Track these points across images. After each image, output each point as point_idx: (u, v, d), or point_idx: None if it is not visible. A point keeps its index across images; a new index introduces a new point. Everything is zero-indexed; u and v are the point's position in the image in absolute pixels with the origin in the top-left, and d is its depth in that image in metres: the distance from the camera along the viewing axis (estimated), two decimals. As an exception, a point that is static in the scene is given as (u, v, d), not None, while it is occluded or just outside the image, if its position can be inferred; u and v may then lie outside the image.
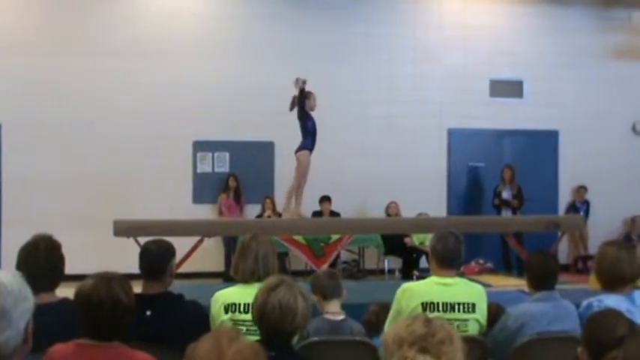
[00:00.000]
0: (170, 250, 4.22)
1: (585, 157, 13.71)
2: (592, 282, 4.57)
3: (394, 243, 12.05)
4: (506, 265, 12.88)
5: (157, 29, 12.55)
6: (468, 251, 12.78)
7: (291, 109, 8.91)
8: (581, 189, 13.84)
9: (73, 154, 12.12)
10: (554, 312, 4.26)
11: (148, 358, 3.07)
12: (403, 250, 12.32)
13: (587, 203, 13.77)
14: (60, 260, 3.86)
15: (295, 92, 8.90)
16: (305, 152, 8.84)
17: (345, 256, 12.66)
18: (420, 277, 4.80)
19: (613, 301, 4.06)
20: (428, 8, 13.59)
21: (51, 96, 12.10)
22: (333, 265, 11.11)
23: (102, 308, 3.03)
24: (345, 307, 4.60)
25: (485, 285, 10.28)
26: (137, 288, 4.08)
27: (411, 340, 2.25)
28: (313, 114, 8.95)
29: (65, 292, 3.70)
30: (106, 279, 3.12)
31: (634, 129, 14.22)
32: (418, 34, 13.36)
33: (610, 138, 13.92)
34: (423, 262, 11.89)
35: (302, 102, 8.79)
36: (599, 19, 13.99)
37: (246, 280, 4.17)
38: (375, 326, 4.78)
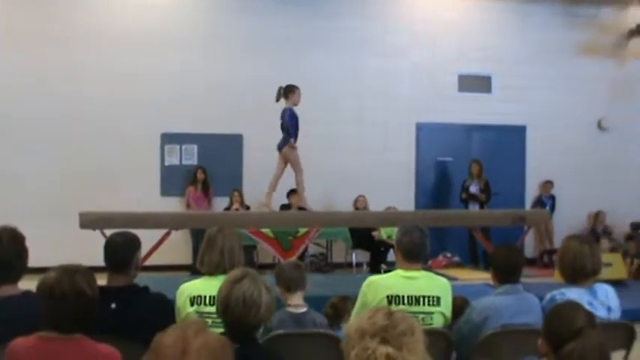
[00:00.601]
0: (135, 242, 4.18)
1: (552, 152, 13.86)
2: (557, 275, 4.62)
3: (362, 236, 12.09)
4: (473, 258, 12.98)
5: (126, 21, 12.47)
6: (436, 245, 12.97)
7: (277, 100, 8.90)
8: (548, 184, 13.97)
9: (38, 146, 12.00)
10: (518, 305, 4.30)
11: (111, 351, 3.05)
12: (371, 244, 12.35)
13: (553, 198, 13.91)
14: (23, 252, 3.81)
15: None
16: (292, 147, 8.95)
17: (312, 249, 12.69)
18: (388, 271, 4.81)
19: (575, 294, 4.10)
20: (398, 3, 13.62)
21: (15, 88, 11.98)
22: (300, 258, 11.10)
23: (65, 300, 3.00)
24: (311, 300, 4.61)
25: (452, 278, 10.39)
26: (102, 281, 4.06)
27: (373, 331, 2.27)
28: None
29: (29, 284, 3.66)
30: (70, 271, 3.09)
31: (599, 125, 14.37)
32: (388, 29, 13.39)
33: (576, 134, 14.07)
34: (391, 256, 11.94)
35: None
36: (566, 15, 14.11)
37: (212, 273, 4.16)
38: (332, 318, 4.81)
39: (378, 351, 2.23)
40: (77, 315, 3.03)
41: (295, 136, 8.86)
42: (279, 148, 8.89)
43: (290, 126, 8.78)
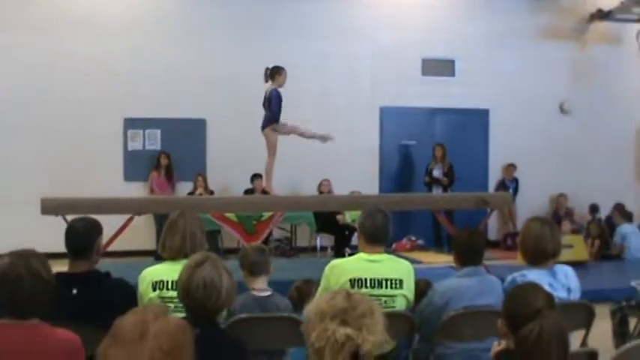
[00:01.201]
0: (96, 228, 4.14)
1: (515, 135, 13.96)
2: (520, 258, 4.67)
3: (326, 220, 12.11)
4: (437, 241, 13.06)
5: (90, 5, 12.32)
6: (400, 228, 13.03)
7: (266, 81, 8.91)
8: (510, 167, 14.09)
9: (-1, 132, 11.85)
10: (480, 287, 4.34)
11: (70, 336, 3.00)
12: (335, 228, 12.38)
13: (516, 181, 14.03)
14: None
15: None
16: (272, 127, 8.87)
17: (277, 233, 12.69)
18: (352, 254, 4.83)
19: (536, 275, 4.14)
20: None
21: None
22: (265, 242, 11.09)
23: (21, 283, 2.94)
24: (275, 284, 4.62)
25: (417, 262, 10.49)
26: (64, 267, 4.03)
27: (332, 313, 2.30)
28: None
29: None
30: (24, 255, 3.03)
31: (561, 108, 14.51)
32: (352, 12, 13.37)
33: (538, 117, 14.19)
34: (355, 240, 11.96)
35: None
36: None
37: (174, 258, 4.14)
38: (297, 302, 4.82)
39: (337, 332, 2.25)
40: (33, 299, 2.97)
41: (277, 118, 8.81)
42: (262, 128, 8.86)
43: (274, 108, 8.74)
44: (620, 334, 6.10)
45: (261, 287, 4.43)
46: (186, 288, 3.08)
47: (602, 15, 14.39)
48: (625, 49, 14.65)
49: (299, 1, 13.05)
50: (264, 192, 12.14)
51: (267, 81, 8.91)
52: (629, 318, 6.13)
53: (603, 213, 13.45)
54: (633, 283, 6.39)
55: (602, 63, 14.56)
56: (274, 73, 8.87)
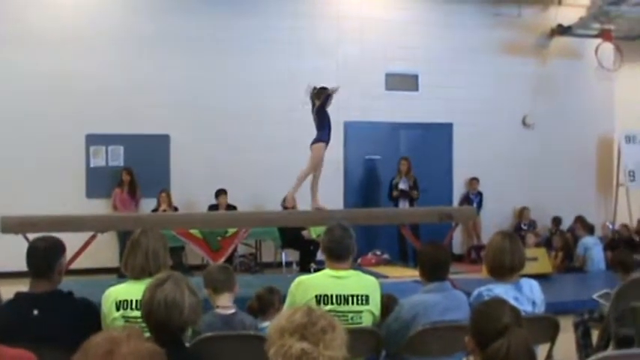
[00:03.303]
0: (58, 247, 4.10)
1: (478, 149, 14.08)
2: (485, 271, 4.70)
3: (291, 236, 12.06)
4: (403, 256, 13.09)
5: (48, 20, 12.20)
6: (365, 243, 13.01)
7: (311, 100, 9.08)
8: (474, 181, 14.18)
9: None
10: (447, 302, 4.34)
11: (23, 355, 2.91)
12: (300, 243, 12.33)
13: (480, 194, 14.13)
14: None
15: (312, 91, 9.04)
16: (320, 145, 9.00)
17: (242, 249, 12.62)
18: (318, 270, 4.82)
19: (501, 289, 4.16)
20: (325, 0, 13.63)
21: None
22: (230, 258, 11.04)
23: None
24: (240, 301, 4.61)
25: (382, 276, 10.50)
26: (25, 287, 3.97)
27: (292, 329, 2.32)
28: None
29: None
30: None
31: (524, 122, 14.66)
32: (315, 27, 13.40)
33: (501, 131, 14.33)
34: (321, 255, 11.94)
35: (325, 102, 8.98)
36: (490, 15, 14.38)
37: (137, 277, 4.09)
38: (257, 311, 4.80)
39: (294, 347, 2.27)
40: None
41: (329, 136, 9.04)
42: (311, 144, 9.08)
43: (328, 128, 9.04)
44: (584, 346, 6.15)
45: (225, 305, 4.40)
46: (148, 307, 3.05)
47: (562, 30, 14.61)
48: (585, 63, 14.87)
49: (264, 17, 13.05)
50: (229, 207, 12.13)
51: (312, 100, 8.99)
52: (592, 330, 6.18)
53: (565, 225, 13.60)
54: (595, 296, 6.45)
55: (563, 77, 14.78)
56: (320, 93, 8.96)
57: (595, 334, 6.06)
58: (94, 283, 8.09)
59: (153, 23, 12.64)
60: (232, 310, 4.39)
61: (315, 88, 8.99)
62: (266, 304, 5.01)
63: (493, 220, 13.51)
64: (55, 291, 3.98)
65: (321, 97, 8.95)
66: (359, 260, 12.51)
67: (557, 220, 13.89)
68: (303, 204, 12.08)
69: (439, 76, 13.93)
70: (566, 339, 5.31)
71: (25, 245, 4.28)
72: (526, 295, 4.30)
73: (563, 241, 12.35)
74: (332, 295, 4.28)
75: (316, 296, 4.26)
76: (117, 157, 12.59)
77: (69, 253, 4.48)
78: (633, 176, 14.56)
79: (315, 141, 9.02)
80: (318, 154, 9.09)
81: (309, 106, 9.12)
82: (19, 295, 3.92)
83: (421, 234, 11.44)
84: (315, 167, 9.23)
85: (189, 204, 12.59)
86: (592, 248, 11.75)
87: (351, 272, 4.47)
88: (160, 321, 3.02)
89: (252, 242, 12.75)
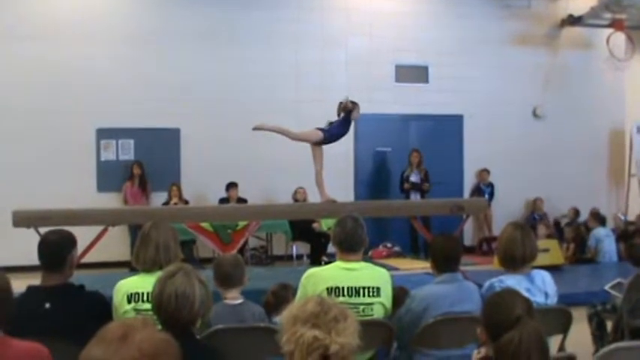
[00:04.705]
0: (70, 240, 4.10)
1: (489, 140, 14.02)
2: (496, 263, 4.68)
3: (302, 228, 12.06)
4: (414, 248, 13.07)
5: (58, 14, 12.21)
6: (376, 235, 13.01)
7: (339, 115, 9.06)
8: (484, 172, 14.12)
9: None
10: (457, 293, 4.33)
11: (37, 349, 2.90)
12: (311, 236, 12.33)
13: (491, 186, 14.07)
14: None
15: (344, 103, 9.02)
16: (318, 132, 8.99)
17: (253, 242, 12.64)
18: (328, 263, 4.81)
19: (513, 281, 4.15)
20: (334, -7, 13.61)
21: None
22: (241, 251, 11.06)
23: None
24: (252, 293, 4.60)
25: (393, 268, 10.49)
26: (37, 280, 3.98)
27: (304, 318, 2.34)
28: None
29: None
30: None
31: (534, 113, 14.59)
32: (324, 19, 13.36)
33: (512, 122, 14.28)
34: (332, 247, 11.93)
35: (348, 115, 8.96)
36: (500, 6, 14.28)
37: (148, 269, 4.09)
38: (273, 306, 4.79)
39: (306, 335, 2.29)
40: None
41: (330, 140, 9.00)
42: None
43: (337, 131, 8.96)
44: (599, 337, 6.12)
45: (233, 295, 4.40)
46: (158, 300, 3.06)
47: (573, 20, 14.52)
48: (596, 53, 14.80)
49: (273, 9, 13.03)
50: (240, 200, 12.13)
51: (339, 115, 9.00)
52: (606, 322, 6.16)
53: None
54: (607, 287, 6.42)
55: (573, 68, 14.69)
56: (345, 108, 8.99)
57: (609, 326, 6.03)
58: (106, 276, 8.10)
59: (162, 17, 12.64)
60: (240, 300, 4.38)
61: (346, 102, 8.96)
62: (281, 299, 5.00)
63: (505, 211, 13.46)
64: (67, 284, 4.00)
65: (341, 112, 9.00)
66: (370, 253, 12.51)
67: (576, 212, 13.60)
68: (313, 197, 12.10)
69: (449, 67, 13.87)
70: (579, 330, 5.29)
71: (36, 239, 4.30)
72: (538, 287, 4.28)
73: (575, 233, 12.30)
74: (343, 287, 4.28)
75: (327, 288, 4.26)
76: (127, 150, 12.60)
77: (80, 247, 4.49)
78: (645, 167, 14.47)
79: (320, 128, 8.94)
80: (308, 133, 9.05)
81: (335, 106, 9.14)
82: (30, 289, 3.93)
83: (432, 226, 11.42)
84: (317, 162, 9.24)
85: (200, 197, 12.60)
86: (604, 240, 11.69)
87: (363, 264, 4.46)
88: (170, 313, 3.02)
89: (263, 235, 12.75)
